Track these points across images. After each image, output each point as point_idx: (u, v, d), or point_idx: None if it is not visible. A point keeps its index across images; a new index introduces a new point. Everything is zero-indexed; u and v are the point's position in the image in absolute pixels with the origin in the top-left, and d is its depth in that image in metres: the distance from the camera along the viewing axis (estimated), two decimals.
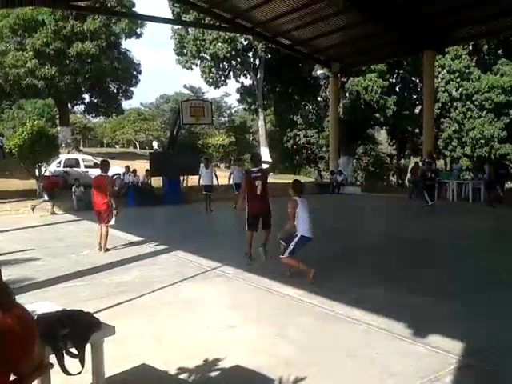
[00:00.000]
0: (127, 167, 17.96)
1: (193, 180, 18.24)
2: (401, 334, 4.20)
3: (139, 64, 34.93)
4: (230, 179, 15.37)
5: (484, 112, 26.91)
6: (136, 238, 9.51)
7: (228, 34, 29.31)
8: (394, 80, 32.74)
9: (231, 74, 35.54)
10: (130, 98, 36.39)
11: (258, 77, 34.29)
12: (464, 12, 16.88)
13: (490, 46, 28.98)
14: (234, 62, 34.27)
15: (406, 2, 16.71)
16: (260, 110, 35.39)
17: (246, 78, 36.19)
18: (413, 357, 3.74)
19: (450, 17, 17.43)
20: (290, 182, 6.80)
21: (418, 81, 31.13)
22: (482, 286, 5.80)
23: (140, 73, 35.01)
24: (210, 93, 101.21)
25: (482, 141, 26.46)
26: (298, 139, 36.93)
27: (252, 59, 34.84)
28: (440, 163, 27.32)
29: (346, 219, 12.93)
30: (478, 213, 13.81)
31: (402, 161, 35.62)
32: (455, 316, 4.70)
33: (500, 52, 27.73)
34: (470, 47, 28.54)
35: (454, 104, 28.32)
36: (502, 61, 26.44)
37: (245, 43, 32.09)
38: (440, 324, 4.43)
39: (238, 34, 28.46)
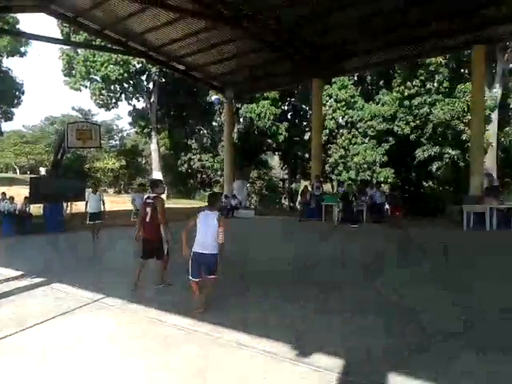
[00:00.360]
0: (3, 194, 16.44)
1: (77, 206, 17.18)
2: (287, 356, 4.23)
3: (22, 84, 32.98)
4: (133, 205, 14.89)
5: (367, 139, 28.91)
6: (10, 271, 8.62)
7: (120, 56, 28.65)
8: (285, 107, 34.20)
9: (123, 96, 34.68)
10: (11, 119, 34.24)
11: (152, 100, 33.84)
12: (347, 45, 18.14)
13: (372, 78, 31.50)
14: (126, 85, 33.52)
15: (296, 32, 17.64)
16: (153, 133, 34.84)
17: (139, 100, 35.60)
18: (297, 378, 3.77)
19: (335, 49, 18.72)
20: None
21: (307, 108, 32.81)
22: (366, 303, 6.06)
23: (23, 93, 33.05)
24: (101, 115, 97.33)
25: (365, 165, 28.31)
26: (192, 163, 36.90)
27: (145, 82, 34.36)
28: (327, 187, 28.81)
29: (240, 243, 12.95)
30: (361, 234, 14.74)
31: (294, 184, 37.04)
32: (339, 334, 4.85)
33: (381, 83, 30.14)
34: (355, 78, 30.77)
35: (341, 131, 30.11)
36: (383, 91, 28.67)
37: (138, 66, 31.58)
38: (323, 343, 4.54)
39: (131, 57, 27.95)
